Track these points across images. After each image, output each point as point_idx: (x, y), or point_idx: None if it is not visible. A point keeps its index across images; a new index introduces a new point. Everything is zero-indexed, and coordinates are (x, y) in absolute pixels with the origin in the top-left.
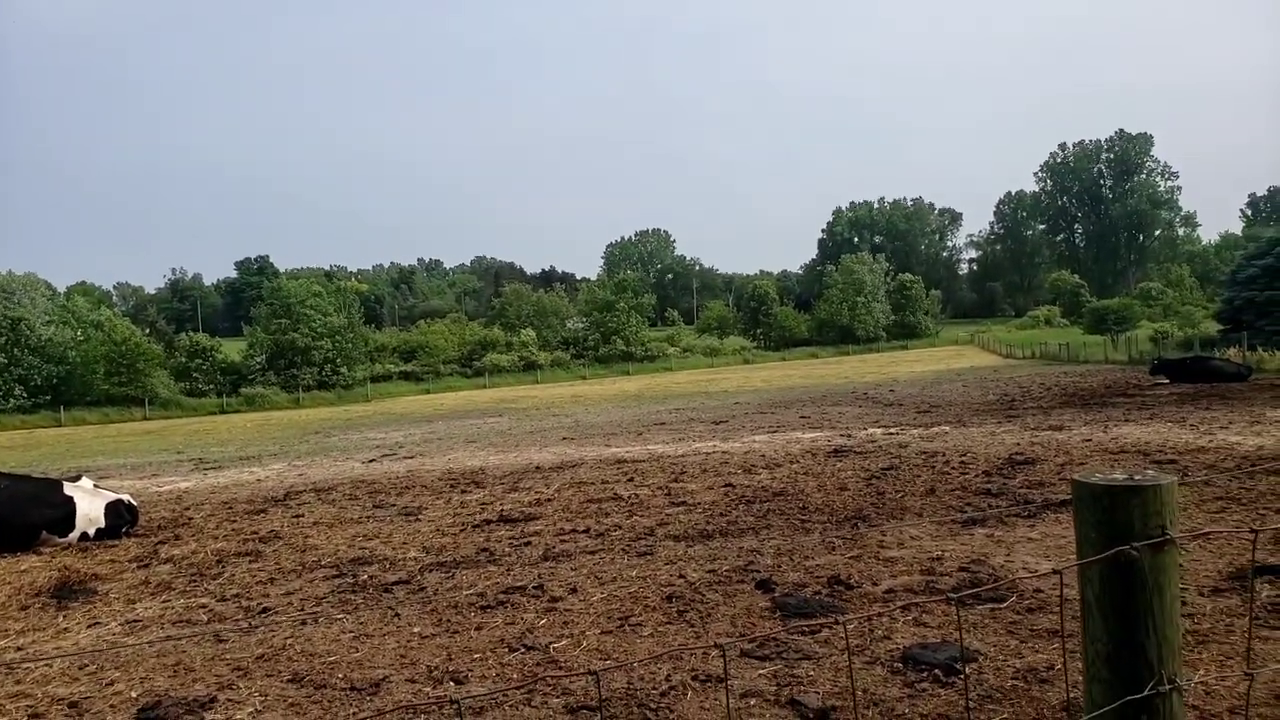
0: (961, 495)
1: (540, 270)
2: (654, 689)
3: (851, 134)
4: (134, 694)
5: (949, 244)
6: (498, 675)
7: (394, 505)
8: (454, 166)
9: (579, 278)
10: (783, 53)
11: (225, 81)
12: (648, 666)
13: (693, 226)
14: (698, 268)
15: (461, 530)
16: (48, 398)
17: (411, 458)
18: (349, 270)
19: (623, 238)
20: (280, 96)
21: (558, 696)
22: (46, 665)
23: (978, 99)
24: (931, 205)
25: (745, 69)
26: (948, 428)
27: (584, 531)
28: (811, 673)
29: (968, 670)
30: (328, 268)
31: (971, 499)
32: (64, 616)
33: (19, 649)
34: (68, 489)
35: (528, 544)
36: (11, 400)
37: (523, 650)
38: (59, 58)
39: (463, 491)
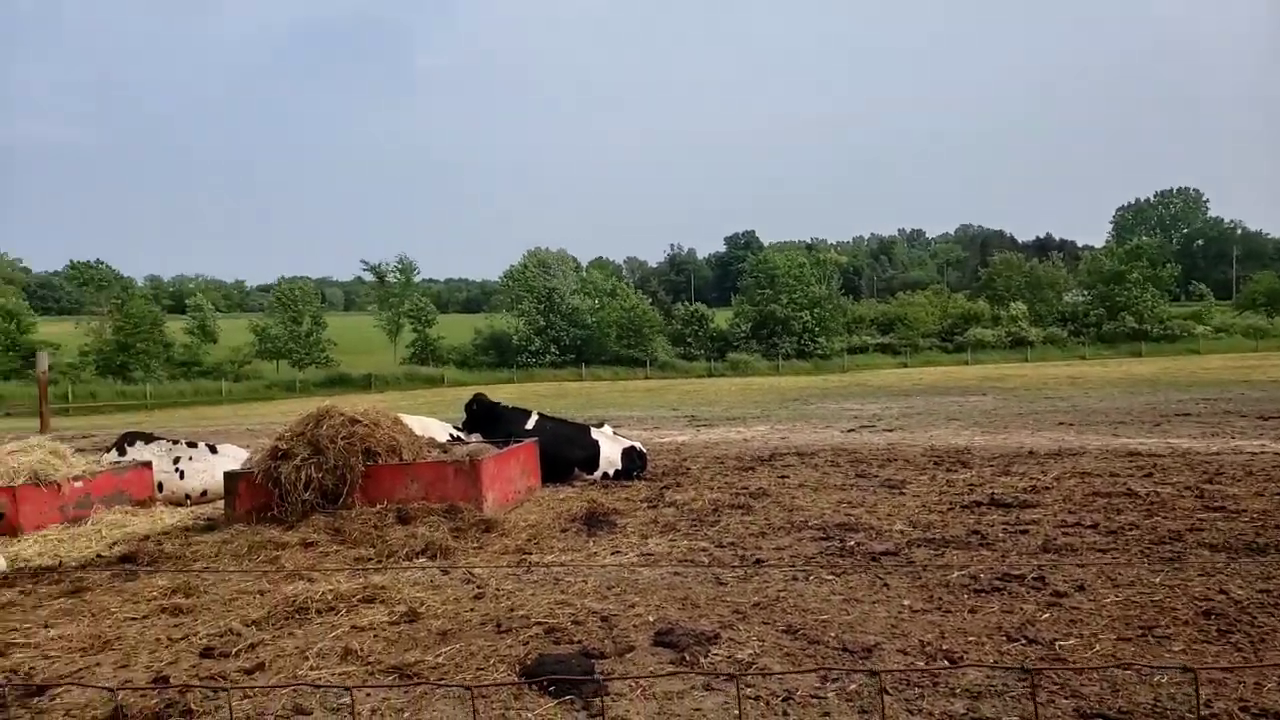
0: None
1: (1034, 238)
2: (1189, 711)
3: None
4: (650, 618)
5: None
6: (995, 662)
7: (876, 476)
8: (937, 127)
9: (1080, 245)
10: None
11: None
12: (1182, 687)
13: (1233, 183)
14: (1239, 232)
15: (949, 509)
16: (573, 356)
17: (891, 431)
18: (829, 243)
19: (1138, 199)
20: (764, 83)
21: (1067, 698)
22: (583, 581)
23: None
24: None
25: None
26: None
27: (1091, 526)
28: None
29: None
30: (809, 240)
31: None
32: (593, 542)
33: (561, 565)
34: (594, 433)
35: (1024, 532)
36: (547, 356)
37: (1023, 641)
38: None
39: (948, 470)
